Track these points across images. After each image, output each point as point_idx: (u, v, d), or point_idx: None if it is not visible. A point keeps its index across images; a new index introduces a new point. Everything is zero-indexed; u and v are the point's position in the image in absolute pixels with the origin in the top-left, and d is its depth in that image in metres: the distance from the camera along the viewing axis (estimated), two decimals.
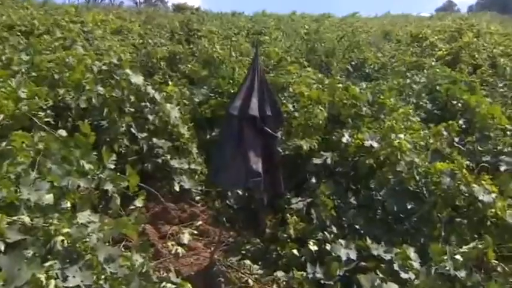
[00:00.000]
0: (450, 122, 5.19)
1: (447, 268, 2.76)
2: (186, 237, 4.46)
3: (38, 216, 2.19)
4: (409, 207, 3.86)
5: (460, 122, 5.58)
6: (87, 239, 2.20)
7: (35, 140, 2.88)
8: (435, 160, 4.04)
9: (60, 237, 2.15)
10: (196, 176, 5.22)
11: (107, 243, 2.34)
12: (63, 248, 2.13)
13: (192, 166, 5.20)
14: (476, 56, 10.30)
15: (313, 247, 3.88)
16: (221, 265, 4.07)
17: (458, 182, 3.63)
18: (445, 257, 2.83)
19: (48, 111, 4.05)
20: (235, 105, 3.92)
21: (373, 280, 2.83)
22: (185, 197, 5.02)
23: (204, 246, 4.45)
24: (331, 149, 4.88)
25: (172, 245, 4.35)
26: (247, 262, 4.15)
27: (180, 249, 4.28)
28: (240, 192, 4.86)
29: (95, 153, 3.21)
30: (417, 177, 3.93)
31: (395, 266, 3.30)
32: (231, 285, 3.84)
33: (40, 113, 3.81)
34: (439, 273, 2.78)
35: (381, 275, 3.20)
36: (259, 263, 4.17)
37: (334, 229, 4.00)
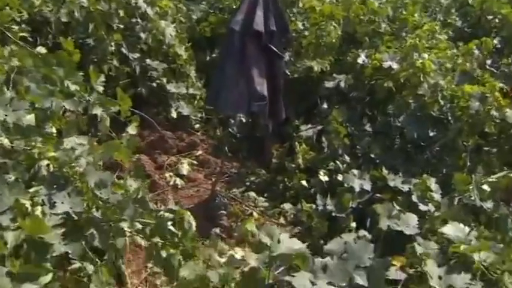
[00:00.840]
0: (484, 38, 4.95)
1: (472, 198, 2.72)
2: (185, 168, 4.47)
3: (19, 138, 2.12)
4: (431, 134, 3.79)
5: (495, 41, 5.34)
6: (75, 163, 2.14)
7: (5, 54, 2.74)
8: (463, 82, 3.91)
9: (45, 162, 2.09)
10: (195, 102, 5.15)
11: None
12: (49, 173, 2.07)
13: (191, 91, 5.11)
14: None
15: (323, 177, 3.87)
16: (223, 197, 4.11)
17: (489, 107, 3.52)
18: (470, 187, 2.79)
19: (24, 26, 3.86)
20: (237, 20, 3.75)
21: (390, 210, 2.80)
22: (183, 124, 4.98)
23: (205, 178, 4.48)
24: (345, 71, 4.75)
25: (170, 176, 4.37)
26: (252, 194, 4.18)
27: (178, 181, 4.31)
28: (243, 118, 4.78)
29: (81, 73, 3.08)
30: (441, 102, 3.82)
31: (414, 198, 3.27)
32: (234, 218, 3.88)
33: (13, 26, 3.63)
34: (462, 204, 2.74)
35: (397, 208, 3.19)
36: (265, 195, 4.21)
37: (347, 158, 3.97)
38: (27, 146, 2.12)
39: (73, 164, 2.18)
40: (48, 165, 2.09)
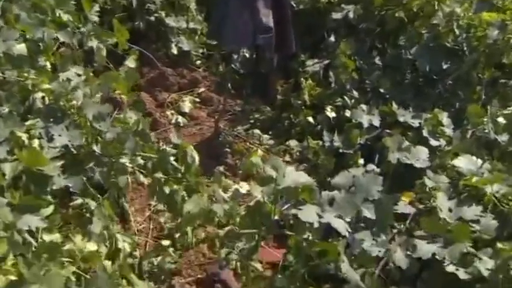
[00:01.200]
0: None
1: (486, 131, 2.69)
2: (186, 106, 4.43)
3: (10, 68, 2.07)
4: (444, 67, 3.69)
5: None
6: (72, 96, 2.10)
7: None
8: (481, 10, 3.75)
9: (40, 94, 2.06)
10: (197, 37, 5.02)
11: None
12: (45, 106, 2.05)
13: (191, 25, 4.97)
14: None
15: (330, 113, 3.82)
16: (227, 135, 4.10)
17: (509, 35, 3.40)
18: (485, 120, 2.74)
19: None
20: None
21: (400, 142, 2.78)
22: (184, 60, 4.87)
23: (208, 116, 4.44)
24: (354, 1, 4.56)
25: (171, 114, 4.34)
26: (256, 132, 4.16)
27: (180, 119, 4.28)
28: (246, 53, 4.68)
29: (72, 1, 2.98)
30: (457, 31, 3.69)
31: (425, 133, 3.24)
32: (238, 156, 3.89)
33: None
34: (476, 137, 2.71)
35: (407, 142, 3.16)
36: (270, 132, 4.18)
37: (355, 94, 3.89)
38: (20, 77, 2.08)
39: (69, 97, 2.14)
40: (43, 97, 2.06)
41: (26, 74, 2.09)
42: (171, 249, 2.89)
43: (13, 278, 1.48)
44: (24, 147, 1.84)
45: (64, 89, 2.10)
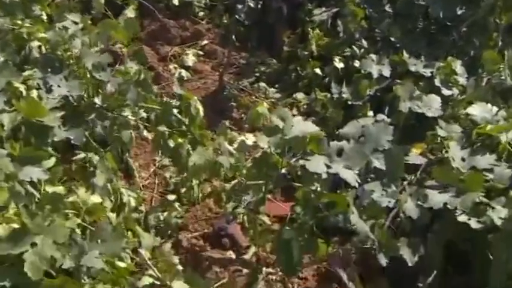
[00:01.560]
0: None
1: (502, 78, 2.62)
2: (190, 59, 4.39)
3: (3, 16, 2.02)
4: (459, 13, 3.61)
5: None
6: (69, 45, 2.06)
7: None
8: None
9: (36, 43, 2.02)
10: None
11: None
12: (42, 55, 2.01)
13: None
14: None
15: (339, 64, 3.77)
16: (232, 89, 4.06)
17: None
18: (501, 66, 2.68)
19: None
20: None
21: (411, 91, 2.73)
22: (186, 12, 4.79)
23: (212, 69, 4.41)
24: None
25: (174, 67, 4.29)
26: (262, 85, 4.13)
27: (184, 73, 4.24)
28: (251, 3, 4.57)
29: None
30: None
31: (437, 82, 3.19)
32: (243, 110, 3.86)
33: None
34: (491, 84, 2.65)
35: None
36: (276, 85, 4.16)
37: (365, 43, 3.83)
38: (14, 25, 2.03)
39: (67, 46, 2.10)
40: (39, 46, 2.02)
41: (20, 22, 2.04)
42: (177, 204, 2.92)
43: (16, 226, 1.49)
44: (22, 98, 1.81)
45: (61, 38, 2.06)
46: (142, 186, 3.18)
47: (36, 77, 1.92)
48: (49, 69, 1.97)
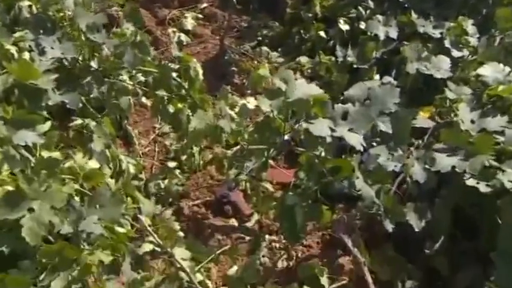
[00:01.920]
0: None
1: None
2: (189, 23, 4.32)
3: None
4: None
5: None
6: (62, 5, 2.01)
7: None
8: None
9: (26, 2, 1.97)
10: None
11: None
12: (33, 16, 1.96)
13: None
14: None
15: (343, 26, 3.71)
16: (233, 53, 4.01)
17: None
18: None
19: None
20: None
21: (419, 51, 2.67)
22: None
23: (212, 33, 4.34)
24: None
25: (173, 31, 4.22)
26: (264, 49, 4.07)
27: (183, 37, 4.18)
28: None
29: None
30: None
31: (447, 43, 3.14)
32: (245, 74, 3.82)
33: None
34: (504, 43, 2.59)
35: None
36: (279, 49, 4.10)
37: (371, 3, 3.75)
38: None
39: (59, 7, 2.05)
40: (30, 6, 1.97)
41: None
42: (177, 172, 2.91)
43: (10, 188, 1.48)
44: (14, 60, 1.78)
45: None
46: (142, 153, 3.17)
47: (27, 39, 1.89)
48: (41, 31, 1.93)
